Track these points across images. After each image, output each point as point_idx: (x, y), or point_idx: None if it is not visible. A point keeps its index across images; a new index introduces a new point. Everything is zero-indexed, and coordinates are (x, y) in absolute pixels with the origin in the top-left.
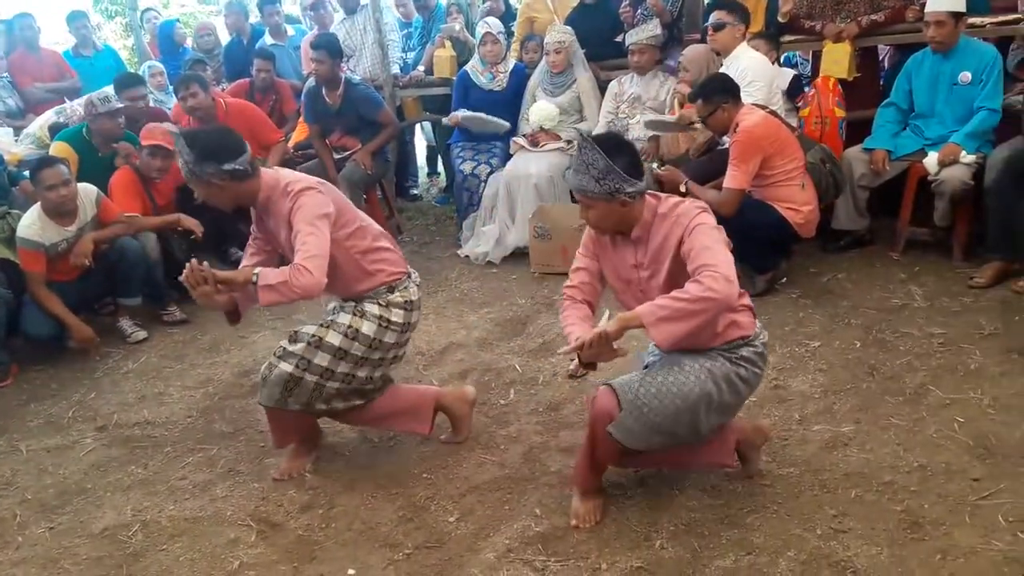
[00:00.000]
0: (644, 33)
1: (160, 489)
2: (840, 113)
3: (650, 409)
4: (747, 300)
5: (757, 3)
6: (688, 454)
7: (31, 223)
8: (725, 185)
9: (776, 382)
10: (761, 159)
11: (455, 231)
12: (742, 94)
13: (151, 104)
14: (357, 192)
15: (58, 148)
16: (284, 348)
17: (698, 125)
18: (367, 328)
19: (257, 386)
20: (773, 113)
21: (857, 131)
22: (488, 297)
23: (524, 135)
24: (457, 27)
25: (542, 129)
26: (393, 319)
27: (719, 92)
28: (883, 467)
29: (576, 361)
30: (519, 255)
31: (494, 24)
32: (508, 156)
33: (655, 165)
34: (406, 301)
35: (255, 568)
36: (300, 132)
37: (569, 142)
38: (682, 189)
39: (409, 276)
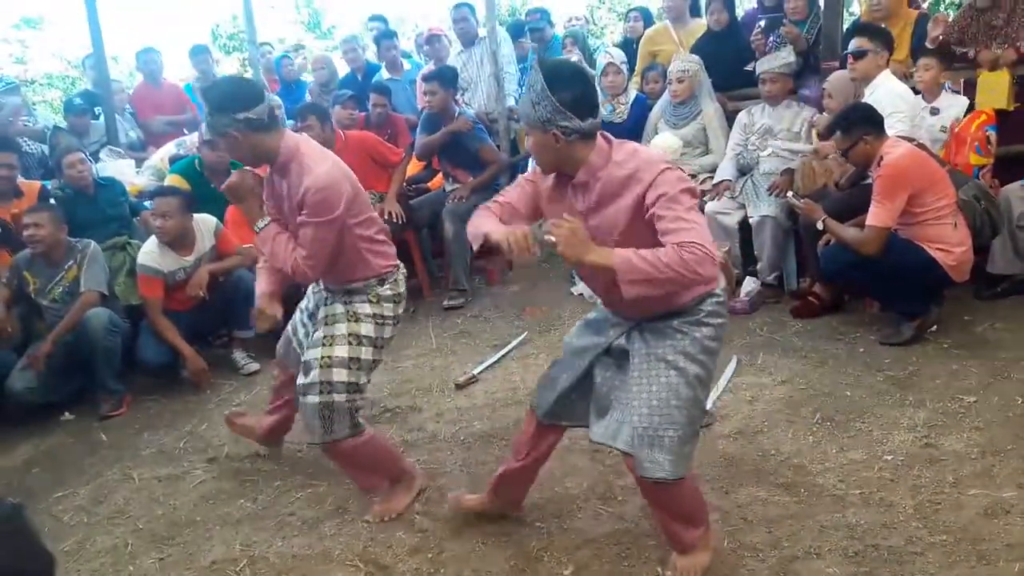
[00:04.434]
0: (777, 61)
1: (268, 524)
2: (978, 160)
3: (664, 430)
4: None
5: (902, 29)
6: None
7: (150, 251)
8: (868, 222)
9: (927, 440)
10: (908, 195)
11: (567, 269)
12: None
13: None
14: (460, 227)
15: (171, 179)
16: (301, 384)
17: (834, 157)
18: (366, 330)
19: (373, 420)
20: (920, 146)
21: (1017, 166)
22: None
23: None
24: (574, 58)
25: None
26: (386, 314)
27: (861, 123)
28: None
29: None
30: None
31: (616, 54)
32: None
33: (790, 195)
34: (395, 294)
35: None
36: (412, 166)
37: (693, 176)
38: (819, 226)
39: (398, 267)
